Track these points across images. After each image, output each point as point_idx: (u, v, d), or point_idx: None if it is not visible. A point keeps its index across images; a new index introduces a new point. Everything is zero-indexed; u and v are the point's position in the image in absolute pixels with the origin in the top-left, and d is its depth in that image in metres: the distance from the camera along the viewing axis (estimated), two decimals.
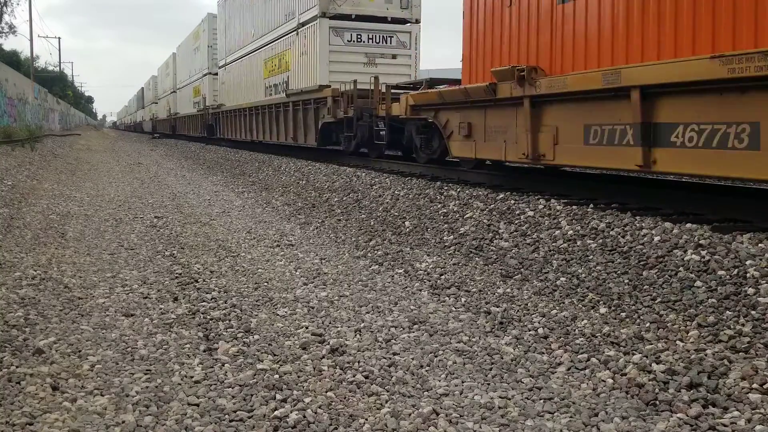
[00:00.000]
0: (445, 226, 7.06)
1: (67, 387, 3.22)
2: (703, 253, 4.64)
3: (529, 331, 4.09)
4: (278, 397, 3.13)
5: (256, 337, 3.99)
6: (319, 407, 3.03)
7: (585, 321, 4.15)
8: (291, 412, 2.96)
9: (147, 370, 3.45)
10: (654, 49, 5.90)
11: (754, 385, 3.08)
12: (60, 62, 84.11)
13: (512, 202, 7.13)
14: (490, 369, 3.53)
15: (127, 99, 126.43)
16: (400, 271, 5.76)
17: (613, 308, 4.35)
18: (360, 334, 4.07)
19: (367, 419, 2.94)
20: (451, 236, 6.69)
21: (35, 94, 35.74)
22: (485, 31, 8.43)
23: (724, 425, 2.80)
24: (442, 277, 5.42)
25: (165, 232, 7.70)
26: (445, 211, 7.57)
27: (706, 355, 3.45)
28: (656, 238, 5.12)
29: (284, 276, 5.60)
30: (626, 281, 4.68)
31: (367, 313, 4.54)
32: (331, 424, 2.89)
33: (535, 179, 8.50)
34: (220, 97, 27.28)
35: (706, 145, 5.33)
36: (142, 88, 74.60)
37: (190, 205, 10.17)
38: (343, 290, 5.12)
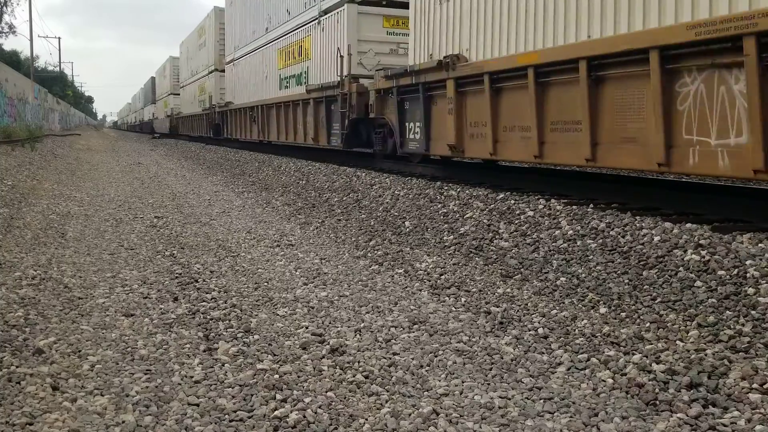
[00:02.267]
0: (445, 226, 7.07)
1: (67, 387, 3.22)
2: (703, 253, 4.65)
3: (529, 331, 4.09)
4: (278, 397, 3.13)
5: (256, 337, 3.99)
6: (319, 407, 3.03)
7: (585, 321, 4.15)
8: (291, 412, 2.96)
9: (147, 370, 3.45)
10: None
11: (754, 385, 3.08)
12: (60, 62, 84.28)
13: (512, 202, 7.13)
14: (490, 369, 3.53)
15: (130, 96, 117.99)
16: (400, 271, 5.76)
17: (613, 308, 4.35)
18: (360, 334, 4.07)
19: (367, 419, 2.94)
20: (451, 236, 6.69)
21: (35, 94, 35.75)
22: None
23: (724, 425, 2.80)
24: (442, 277, 5.42)
25: (165, 232, 7.70)
26: (445, 211, 7.57)
27: (706, 355, 3.45)
28: (656, 238, 5.12)
29: (284, 276, 5.60)
30: (626, 281, 4.68)
31: (367, 313, 4.54)
32: (331, 424, 2.89)
33: (535, 179, 8.49)
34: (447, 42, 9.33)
35: None
36: (152, 78, 60.19)
37: (190, 205, 10.17)
38: (343, 290, 5.12)
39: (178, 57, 41.48)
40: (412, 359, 3.65)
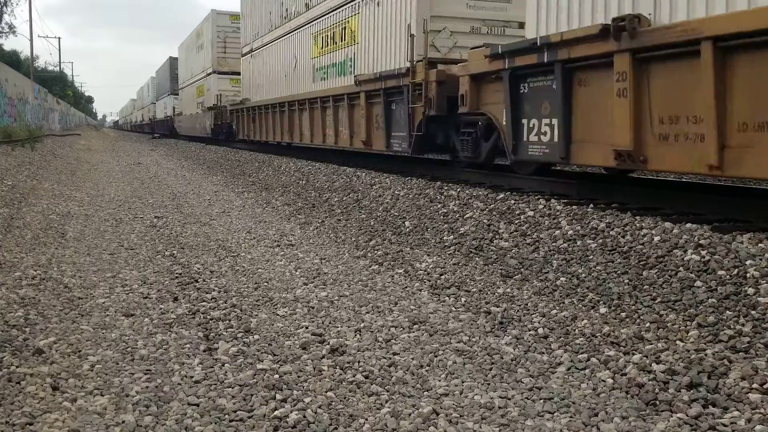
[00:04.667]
0: (445, 226, 7.06)
1: (67, 387, 3.22)
2: (703, 253, 4.65)
3: (529, 331, 4.09)
4: (278, 397, 3.13)
5: (256, 337, 3.99)
6: (319, 407, 3.03)
7: (585, 321, 4.15)
8: (291, 412, 2.96)
9: (147, 370, 3.45)
10: None
11: (754, 385, 3.08)
12: (60, 62, 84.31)
13: (512, 202, 7.13)
14: (490, 369, 3.53)
15: (131, 94, 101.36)
16: (400, 271, 5.76)
17: (613, 308, 4.35)
18: (360, 334, 4.07)
19: (367, 419, 2.94)
20: (451, 236, 6.69)
21: (35, 94, 35.77)
22: None
23: (724, 425, 2.80)
24: (442, 277, 5.42)
25: (165, 232, 7.70)
26: (445, 211, 7.57)
27: (706, 355, 3.45)
28: (656, 238, 5.12)
29: (284, 276, 5.60)
30: (626, 281, 4.68)
31: (367, 313, 4.54)
32: (331, 424, 2.89)
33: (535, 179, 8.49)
34: None
35: None
36: (171, 60, 43.72)
37: (190, 205, 10.17)
38: (343, 290, 5.12)
39: (230, 13, 27.55)
40: (412, 359, 3.65)
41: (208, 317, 4.39)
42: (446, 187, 8.61)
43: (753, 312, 3.82)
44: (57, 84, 68.62)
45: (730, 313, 3.89)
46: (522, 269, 5.43)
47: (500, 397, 3.16)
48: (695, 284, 4.32)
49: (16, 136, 21.27)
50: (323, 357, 3.67)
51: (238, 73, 24.44)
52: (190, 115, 34.42)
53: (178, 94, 40.22)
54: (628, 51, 5.89)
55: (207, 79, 29.15)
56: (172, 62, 43.14)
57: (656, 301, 4.29)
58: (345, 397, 3.17)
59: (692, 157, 5.47)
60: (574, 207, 6.42)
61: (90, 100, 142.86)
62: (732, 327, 3.74)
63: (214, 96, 27.42)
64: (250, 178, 13.98)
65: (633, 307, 4.30)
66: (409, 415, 2.98)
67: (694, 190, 7.08)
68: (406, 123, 10.40)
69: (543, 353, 3.73)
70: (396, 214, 8.03)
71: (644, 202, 6.51)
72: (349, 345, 3.86)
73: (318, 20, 15.13)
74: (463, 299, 4.81)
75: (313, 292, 5.06)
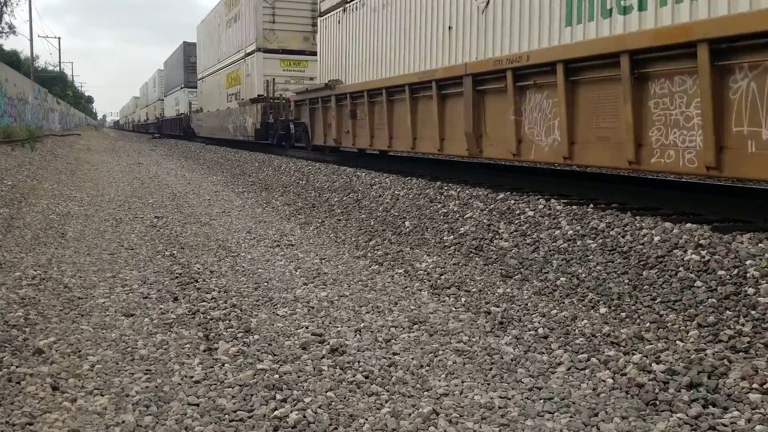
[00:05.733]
0: (445, 226, 7.06)
1: (67, 387, 3.22)
2: (703, 253, 4.65)
3: (529, 331, 4.09)
4: (278, 397, 3.13)
5: (256, 337, 3.99)
6: (319, 407, 3.03)
7: (585, 321, 4.15)
8: (291, 412, 2.96)
9: (147, 370, 3.45)
10: None
11: (754, 385, 3.08)
12: (60, 62, 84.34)
13: (512, 202, 7.13)
14: (490, 369, 3.53)
15: (132, 93, 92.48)
16: (400, 271, 5.76)
17: (613, 308, 4.35)
18: (360, 334, 4.07)
19: (367, 419, 2.94)
20: (451, 236, 6.69)
21: (35, 94, 35.77)
22: None
23: (724, 425, 2.80)
24: (442, 277, 5.42)
25: (165, 232, 7.70)
26: (445, 211, 7.57)
27: (706, 355, 3.45)
28: (656, 238, 5.12)
29: (284, 276, 5.60)
30: (626, 281, 4.69)
31: (367, 313, 4.54)
32: (331, 424, 2.89)
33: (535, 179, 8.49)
34: None
35: None
36: (185, 45, 36.23)
37: (190, 205, 10.17)
38: (343, 290, 5.12)
39: None
40: (412, 359, 3.65)
41: (208, 317, 4.39)
42: (446, 187, 8.61)
43: (753, 312, 3.82)
44: (57, 84, 68.66)
45: (730, 313, 3.90)
46: (522, 269, 5.43)
47: (500, 397, 3.16)
48: (695, 284, 4.32)
49: (16, 136, 21.29)
50: (323, 357, 3.67)
51: (297, 52, 18.84)
52: (216, 111, 26.29)
53: (195, 87, 32.33)
54: None
55: (246, 62, 21.15)
56: (187, 48, 34.89)
57: (656, 301, 4.30)
58: (345, 397, 3.16)
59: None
60: (574, 207, 6.42)
61: (90, 100, 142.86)
62: (732, 327, 3.74)
63: (260, 83, 19.47)
64: (250, 178, 13.98)
65: (633, 307, 4.30)
66: (409, 415, 2.98)
67: (694, 190, 7.08)
68: None
69: (543, 353, 3.73)
70: (396, 214, 8.03)
71: (644, 202, 6.51)
72: (349, 345, 3.86)
73: None
74: (463, 299, 4.81)
75: (313, 292, 5.06)
